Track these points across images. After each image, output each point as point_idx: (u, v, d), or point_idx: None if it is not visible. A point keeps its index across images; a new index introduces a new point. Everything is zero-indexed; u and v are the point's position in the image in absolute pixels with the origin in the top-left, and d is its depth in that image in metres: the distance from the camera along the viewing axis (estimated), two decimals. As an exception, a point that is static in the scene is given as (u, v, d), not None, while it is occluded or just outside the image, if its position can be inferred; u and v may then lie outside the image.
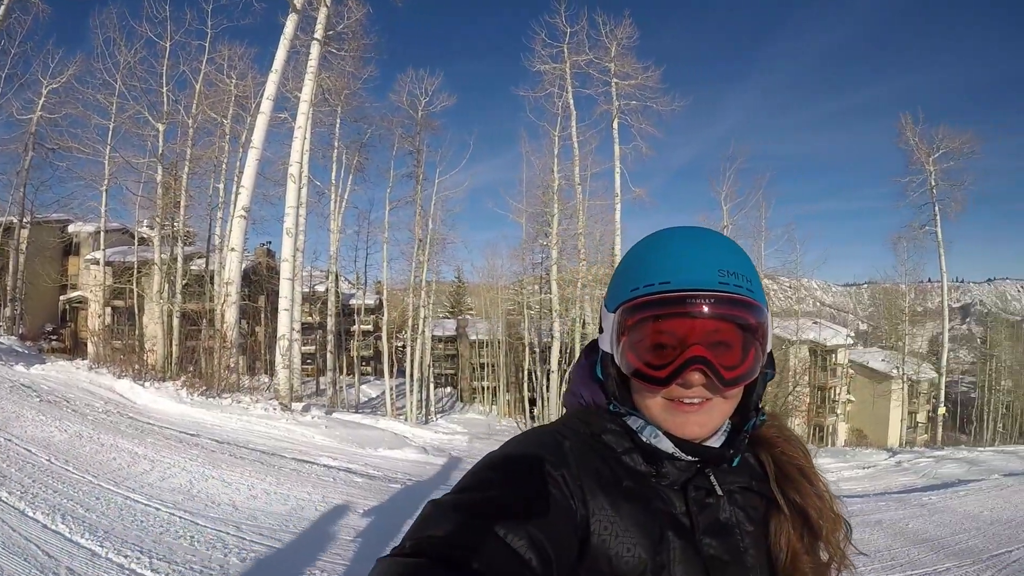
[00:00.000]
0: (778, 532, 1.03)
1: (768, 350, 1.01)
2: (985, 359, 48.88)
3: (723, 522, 1.00)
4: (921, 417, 46.17)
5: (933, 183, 31.47)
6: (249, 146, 16.43)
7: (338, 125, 27.93)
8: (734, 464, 1.03)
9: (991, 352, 48.66)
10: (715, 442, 1.03)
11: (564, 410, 1.18)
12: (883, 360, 44.65)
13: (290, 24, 16.27)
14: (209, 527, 5.59)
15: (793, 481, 1.05)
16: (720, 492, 1.00)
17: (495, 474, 0.90)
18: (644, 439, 0.98)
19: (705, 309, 0.92)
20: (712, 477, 1.01)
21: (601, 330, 1.07)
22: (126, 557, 4.68)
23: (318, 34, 17.10)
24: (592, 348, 1.14)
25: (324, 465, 9.35)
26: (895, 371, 39.09)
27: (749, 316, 0.95)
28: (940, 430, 32.42)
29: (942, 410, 31.99)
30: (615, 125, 26.96)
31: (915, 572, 6.10)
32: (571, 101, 26.87)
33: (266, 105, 16.03)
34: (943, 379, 32.45)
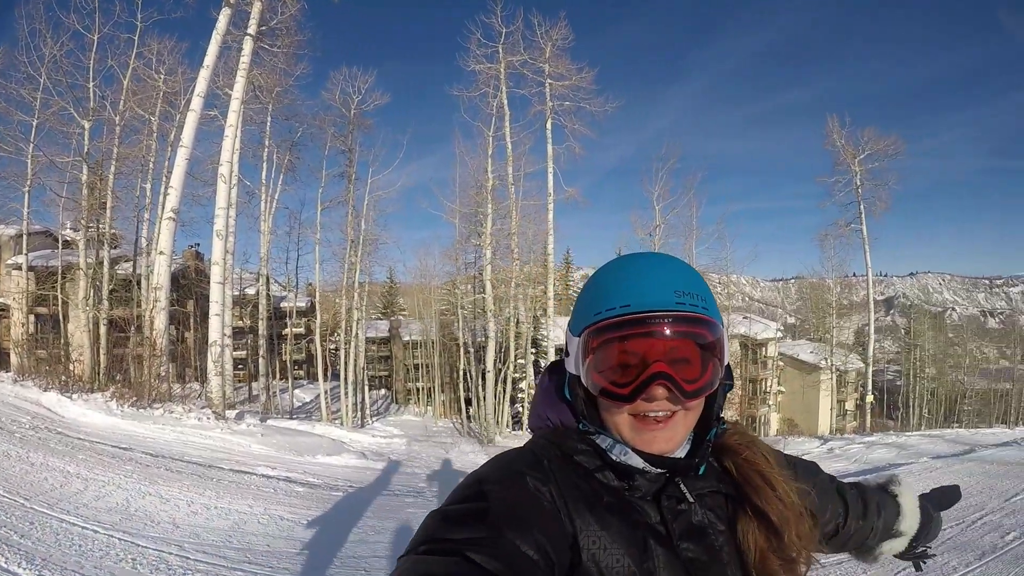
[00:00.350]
0: (745, 533, 1.07)
1: (725, 363, 1.06)
2: (909, 349, 51.16)
3: (697, 525, 1.04)
4: (850, 405, 48.35)
5: (859, 183, 33.17)
6: (178, 145, 15.82)
7: (269, 123, 27.16)
8: (700, 472, 1.08)
9: (915, 342, 51.09)
10: (680, 453, 1.07)
11: (530, 433, 1.20)
12: (811, 352, 46.37)
13: (223, 18, 15.85)
14: (150, 548, 5.41)
15: (755, 486, 1.08)
16: (691, 499, 1.05)
17: (489, 487, 0.93)
18: (614, 457, 1.03)
19: (664, 329, 0.97)
20: (682, 485, 1.05)
21: (567, 353, 1.11)
22: (67, 584, 4.48)
23: (251, 29, 16.75)
24: (553, 370, 1.19)
25: (263, 475, 9.17)
26: (823, 362, 40.64)
27: (706, 333, 1.01)
28: (869, 417, 34.09)
29: (870, 398, 33.65)
30: (548, 125, 27.24)
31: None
32: (505, 101, 26.88)
33: (196, 102, 15.52)
34: (870, 368, 34.14)
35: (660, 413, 1.00)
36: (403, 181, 31.33)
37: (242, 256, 29.42)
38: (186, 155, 15.36)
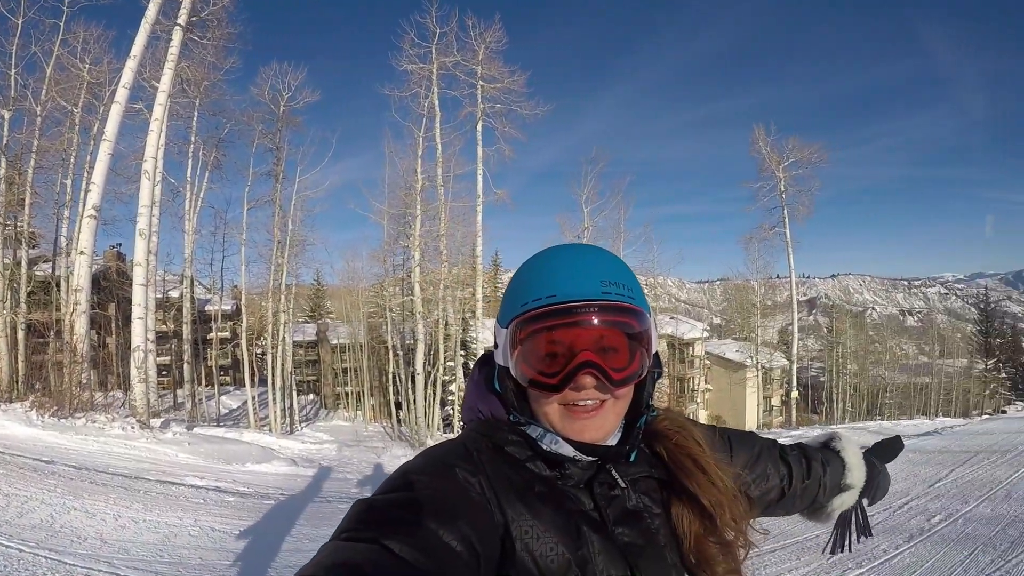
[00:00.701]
0: (679, 517, 1.09)
1: (653, 351, 1.08)
2: (832, 346, 53.64)
3: (631, 510, 1.05)
4: (775, 401, 50.69)
5: (783, 188, 34.71)
6: (101, 138, 15.10)
7: (196, 118, 26.20)
8: (631, 459, 1.09)
9: (837, 340, 53.63)
10: (611, 440, 1.08)
11: (463, 425, 1.21)
12: (737, 350, 48.11)
13: (153, 6, 15.32)
14: (79, 565, 5.20)
15: (686, 471, 1.10)
16: (623, 484, 1.06)
17: (418, 477, 0.94)
18: (545, 446, 1.03)
19: (591, 318, 0.98)
20: (613, 471, 1.06)
21: (496, 346, 1.11)
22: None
23: (181, 19, 16.28)
24: (484, 362, 1.19)
25: (192, 485, 8.95)
26: (749, 360, 42.46)
27: (632, 321, 1.02)
28: (794, 412, 35.67)
29: (795, 394, 35.16)
30: (479, 127, 27.24)
31: (789, 541, 6.72)
32: (436, 102, 26.72)
33: (122, 94, 14.93)
34: (794, 366, 35.65)
35: (589, 402, 1.00)
36: (331, 181, 30.71)
37: (166, 257, 28.26)
38: (109, 149, 14.71)
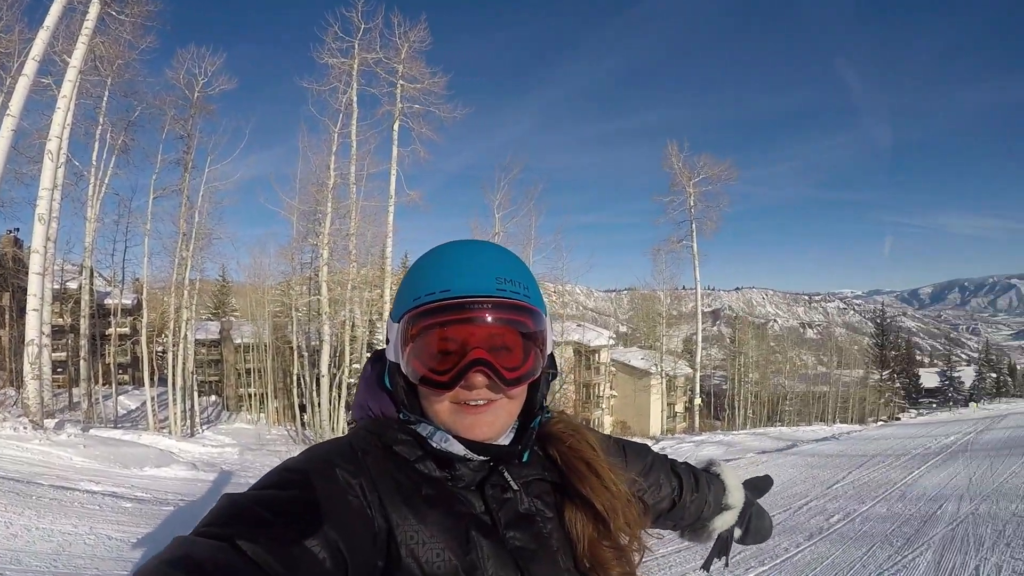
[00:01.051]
0: (572, 521, 1.07)
1: (548, 351, 1.09)
2: (734, 356, 56.41)
3: (523, 513, 1.04)
4: (679, 407, 52.46)
5: (692, 203, 36.48)
6: (5, 113, 14.15)
7: (106, 99, 24.84)
8: (524, 459, 1.07)
9: (739, 350, 56.29)
10: (504, 441, 1.07)
11: (351, 424, 1.17)
12: (642, 358, 48.94)
13: (72, -26, 14.53)
14: (-33, 576, 4.95)
15: (579, 474, 1.09)
16: (516, 486, 1.04)
17: (292, 475, 0.91)
18: (435, 444, 1.01)
19: (484, 315, 0.97)
20: (506, 473, 1.05)
21: (388, 341, 1.09)
22: None
23: (101, -10, 15.48)
24: (377, 359, 1.18)
25: (87, 491, 8.61)
26: (654, 368, 43.43)
27: (527, 320, 1.02)
28: (697, 418, 37.37)
29: (698, 400, 36.76)
30: (396, 127, 27.12)
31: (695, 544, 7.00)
32: (355, 98, 26.45)
33: (30, 67, 14.14)
34: (698, 374, 37.26)
35: (480, 401, 0.99)
36: (242, 173, 29.48)
37: (65, 245, 26.64)
38: (12, 126, 13.85)
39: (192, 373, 29.77)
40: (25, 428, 11.27)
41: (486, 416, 1.01)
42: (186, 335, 28.55)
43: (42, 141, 16.71)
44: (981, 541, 7.00)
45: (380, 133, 27.32)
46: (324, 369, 25.76)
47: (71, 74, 15.01)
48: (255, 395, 43.17)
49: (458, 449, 1.00)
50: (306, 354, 32.67)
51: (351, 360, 28.33)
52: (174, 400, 27.10)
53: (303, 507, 0.85)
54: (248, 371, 44.09)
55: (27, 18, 21.75)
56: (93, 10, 15.54)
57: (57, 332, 24.89)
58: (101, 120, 25.23)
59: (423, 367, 1.00)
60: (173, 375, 27.73)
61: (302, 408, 33.66)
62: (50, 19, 14.46)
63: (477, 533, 0.97)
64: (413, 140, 27.58)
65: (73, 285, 30.27)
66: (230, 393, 44.85)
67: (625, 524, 1.10)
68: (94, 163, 25.57)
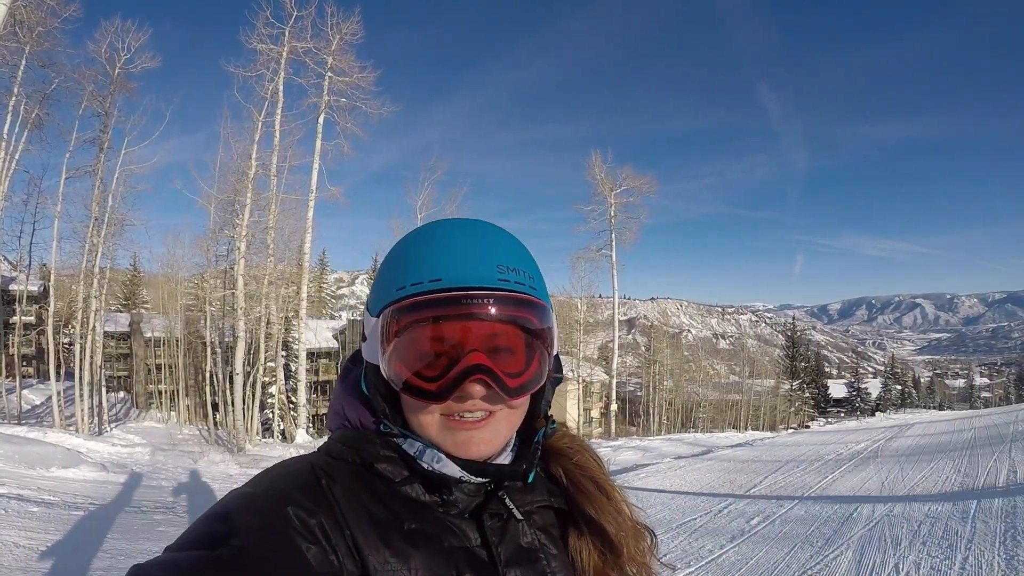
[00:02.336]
0: (578, 550, 0.95)
1: (554, 353, 0.94)
2: (649, 363, 58.66)
3: (526, 548, 0.90)
4: (595, 413, 53.16)
5: (613, 214, 37.34)
6: None
7: (23, 67, 23.29)
8: (530, 480, 0.92)
9: (654, 358, 58.58)
10: (504, 458, 0.93)
11: (328, 434, 1.02)
12: (559, 364, 49.76)
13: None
14: None
15: (588, 495, 0.97)
16: (519, 515, 0.90)
17: (225, 526, 0.73)
18: (425, 465, 0.86)
19: (484, 310, 0.82)
20: (508, 500, 0.90)
21: (364, 338, 0.93)
22: None
23: (25, -51, 14.57)
24: (356, 359, 1.00)
25: (-10, 493, 8.06)
26: (570, 373, 43.88)
27: (533, 317, 0.87)
28: (613, 423, 38.16)
29: (614, 406, 37.48)
30: (321, 120, 27.02)
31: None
32: (281, 87, 26.01)
33: (-57, 29, 13.08)
34: (614, 380, 38.08)
35: (478, 415, 0.85)
36: (160, 157, 28.23)
37: (-32, 225, 25.14)
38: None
39: (100, 367, 28.39)
40: (-79, 425, 10.54)
41: (484, 432, 0.86)
42: (95, 326, 27.24)
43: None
44: (898, 540, 7.29)
45: (305, 125, 27.09)
46: (238, 367, 25.01)
47: (-13, 39, 14.04)
48: (166, 392, 41.62)
49: (453, 471, 0.85)
50: (220, 351, 31.77)
51: (266, 358, 27.82)
52: (81, 395, 25.65)
53: (239, 571, 0.68)
54: (159, 367, 42.52)
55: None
56: (14, -30, 14.57)
57: (-42, 320, 23.31)
58: (16, 91, 23.58)
59: (407, 372, 0.84)
60: (80, 369, 26.32)
61: (215, 407, 32.67)
62: (-34, -23, 13.45)
63: (471, 574, 0.82)
64: (338, 135, 27.50)
65: (-23, 269, 28.48)
66: (139, 389, 43.10)
67: (636, 553, 0.99)
68: (4, 136, 23.91)
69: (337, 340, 48.13)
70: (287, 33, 25.74)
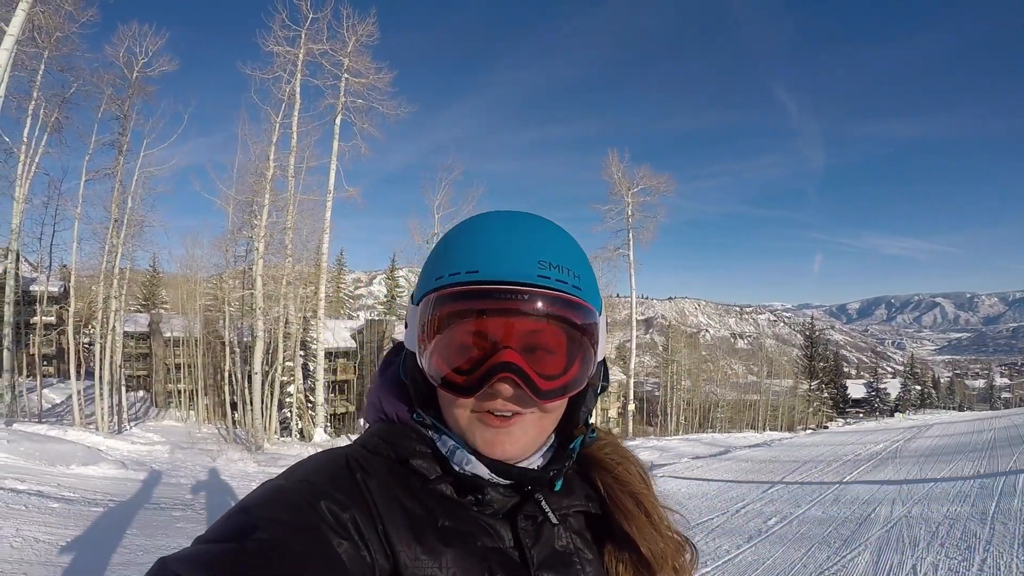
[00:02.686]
0: (612, 562, 0.94)
1: (599, 357, 0.90)
2: (667, 363, 58.40)
3: (560, 551, 0.88)
4: (612, 413, 53.05)
5: (630, 213, 36.87)
6: None
7: (42, 72, 23.47)
8: (556, 488, 0.91)
9: (672, 358, 58.33)
10: (536, 462, 0.90)
11: (365, 425, 1.01)
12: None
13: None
14: None
15: (627, 513, 0.94)
16: (555, 519, 0.89)
17: (254, 519, 0.71)
18: (455, 466, 0.85)
19: (518, 307, 0.80)
20: (543, 502, 0.89)
21: (407, 325, 0.92)
22: None
23: (43, -44, 14.76)
24: (398, 350, 1.00)
25: (11, 489, 8.27)
26: (588, 373, 43.90)
27: (573, 316, 0.83)
28: (631, 423, 37.42)
29: (632, 406, 37.12)
30: (338, 121, 26.87)
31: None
32: (298, 89, 25.93)
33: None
34: (631, 380, 37.77)
35: (507, 413, 0.83)
36: (178, 159, 28.42)
37: (-10, 226, 25.38)
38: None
39: (120, 367, 28.61)
40: (-57, 421, 10.69)
41: (511, 432, 0.84)
42: (115, 326, 27.43)
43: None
44: (916, 542, 7.24)
45: (322, 126, 26.97)
46: (257, 366, 25.09)
47: (7, 42, 14.30)
48: (184, 391, 41.87)
49: (483, 472, 0.84)
50: (238, 350, 31.82)
51: (284, 358, 27.89)
52: (100, 395, 25.94)
53: (255, 569, 0.65)
54: (178, 366, 42.76)
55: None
56: (34, -25, 14.73)
57: (-22, 319, 23.43)
58: (35, 95, 23.80)
59: (442, 363, 0.83)
60: (100, 368, 26.54)
61: (233, 406, 32.82)
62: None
63: (503, 574, 0.81)
64: (355, 135, 27.35)
65: (-2, 269, 28.74)
66: (159, 389, 43.40)
67: (673, 571, 0.96)
68: (25, 140, 24.07)
69: (355, 340, 48.32)
70: (303, 35, 25.70)
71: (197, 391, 40.09)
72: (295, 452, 20.08)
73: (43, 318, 32.31)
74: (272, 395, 26.87)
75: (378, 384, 0.98)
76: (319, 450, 0.92)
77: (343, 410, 45.38)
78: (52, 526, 6.95)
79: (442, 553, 0.78)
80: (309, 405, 30.84)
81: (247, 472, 14.26)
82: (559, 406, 0.88)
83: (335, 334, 43.40)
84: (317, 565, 0.69)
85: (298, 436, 28.12)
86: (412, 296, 0.91)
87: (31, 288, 33.85)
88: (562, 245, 0.87)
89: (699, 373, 60.89)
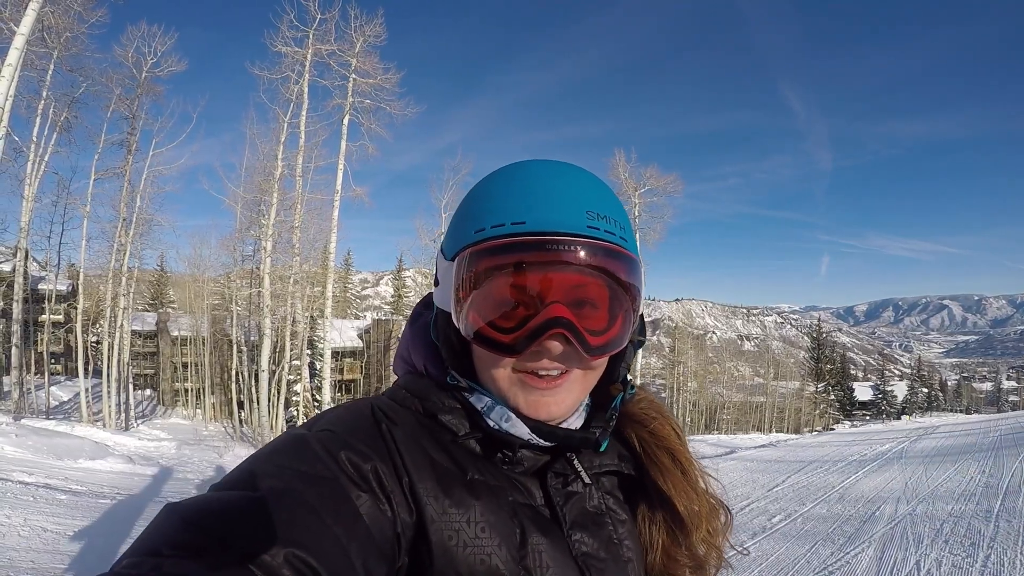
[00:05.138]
0: (646, 524, 0.92)
1: (639, 312, 0.86)
2: (674, 365, 58.42)
3: (592, 511, 0.86)
4: None
5: (637, 214, 36.53)
6: None
7: (51, 72, 23.59)
8: (602, 449, 0.87)
9: (679, 359, 58.32)
10: (574, 422, 0.87)
11: (394, 379, 0.97)
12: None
13: (23, -62, 13.82)
14: None
15: (663, 468, 0.91)
16: (587, 479, 0.86)
17: (270, 467, 0.69)
18: (491, 423, 0.81)
19: (571, 258, 0.75)
20: (576, 461, 0.86)
21: (437, 283, 0.88)
22: None
23: (53, -43, 14.82)
24: (428, 303, 0.97)
25: (20, 482, 8.31)
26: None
27: (621, 270, 0.79)
28: None
29: None
30: (346, 121, 26.71)
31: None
32: (306, 89, 25.88)
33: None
34: (638, 381, 37.11)
35: (553, 372, 0.79)
36: (187, 159, 28.56)
37: (-1, 224, 25.56)
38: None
39: (127, 365, 28.74)
40: (-48, 415, 10.79)
41: (556, 394, 0.80)
42: (122, 325, 27.55)
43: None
44: (920, 539, 7.25)
45: (330, 126, 26.91)
46: (264, 365, 25.07)
47: (18, 41, 14.29)
48: (191, 390, 41.93)
49: (521, 431, 0.80)
50: (245, 349, 32.01)
51: (291, 356, 27.87)
52: (108, 392, 26.06)
53: (265, 516, 0.62)
54: (185, 365, 42.80)
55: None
56: (44, -24, 14.80)
57: (-12, 317, 23.63)
58: (45, 94, 23.88)
59: (482, 321, 0.78)
60: (108, 366, 26.67)
61: (240, 404, 32.93)
62: (-3, -18, 13.74)
63: (535, 531, 0.78)
64: (362, 135, 27.27)
65: (6, 267, 28.83)
66: (165, 387, 43.47)
67: (707, 533, 0.94)
68: (34, 139, 24.23)
69: (362, 340, 48.44)
70: (311, 36, 25.70)
71: (204, 389, 40.13)
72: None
73: (51, 316, 32.31)
74: (279, 394, 26.94)
75: (408, 336, 0.95)
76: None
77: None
78: (59, 516, 7.00)
79: (471, 506, 0.76)
80: (316, 403, 30.93)
81: (253, 468, 14.29)
82: (602, 363, 0.85)
83: (342, 334, 43.46)
84: (330, 517, 0.65)
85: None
86: (442, 250, 0.87)
87: (39, 287, 33.97)
88: (607, 197, 0.83)
89: (705, 375, 61.05)
